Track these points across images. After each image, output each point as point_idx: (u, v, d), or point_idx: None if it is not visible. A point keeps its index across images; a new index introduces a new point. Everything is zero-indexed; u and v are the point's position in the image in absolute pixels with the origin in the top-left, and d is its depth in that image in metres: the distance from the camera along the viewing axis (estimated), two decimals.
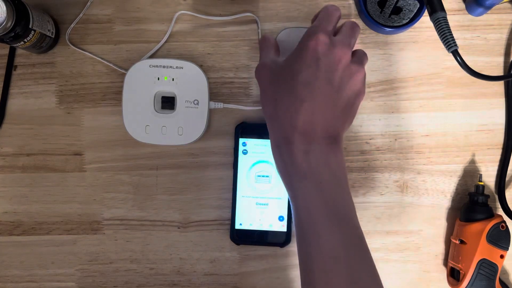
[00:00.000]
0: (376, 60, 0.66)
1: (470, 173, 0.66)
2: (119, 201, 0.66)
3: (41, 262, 0.67)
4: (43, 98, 0.67)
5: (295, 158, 0.51)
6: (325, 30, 0.53)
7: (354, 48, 0.55)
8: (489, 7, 0.63)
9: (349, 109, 0.54)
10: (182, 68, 0.63)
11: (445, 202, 0.66)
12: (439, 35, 0.56)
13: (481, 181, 0.64)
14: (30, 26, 0.59)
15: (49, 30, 0.63)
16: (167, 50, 0.67)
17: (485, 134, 0.66)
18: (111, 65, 0.66)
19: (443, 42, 0.56)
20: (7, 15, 0.56)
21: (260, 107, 0.66)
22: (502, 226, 0.61)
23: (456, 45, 0.56)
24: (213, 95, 0.66)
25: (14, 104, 0.67)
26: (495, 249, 0.61)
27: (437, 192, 0.66)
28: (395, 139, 0.66)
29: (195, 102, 0.63)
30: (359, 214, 0.66)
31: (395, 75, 0.66)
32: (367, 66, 0.66)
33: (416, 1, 0.63)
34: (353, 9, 0.66)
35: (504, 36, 0.66)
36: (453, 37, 0.56)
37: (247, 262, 0.66)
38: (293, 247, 0.66)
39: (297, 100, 0.51)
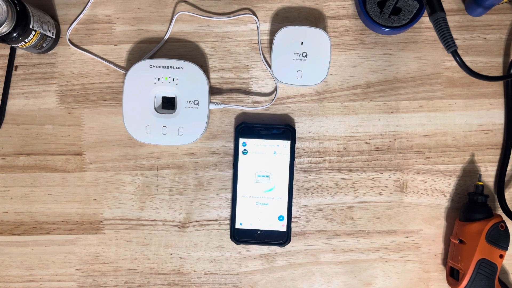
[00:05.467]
0: (376, 60, 0.66)
1: (470, 173, 0.66)
2: (120, 201, 0.67)
3: (42, 261, 0.67)
4: (43, 98, 0.67)
5: None
6: None
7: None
8: (488, 8, 0.63)
9: None
10: (183, 68, 0.63)
11: (445, 202, 0.66)
12: (438, 35, 0.57)
13: (480, 181, 0.64)
14: (30, 27, 0.59)
15: (49, 31, 0.63)
16: (167, 51, 0.67)
17: (485, 134, 0.66)
18: (111, 65, 0.66)
19: (442, 43, 0.56)
20: (8, 15, 0.56)
21: (260, 107, 0.66)
22: (502, 226, 0.61)
23: (455, 45, 0.56)
24: (213, 95, 0.67)
25: (14, 104, 0.67)
26: (494, 249, 0.61)
27: (437, 192, 0.66)
28: (395, 139, 0.66)
29: (195, 102, 0.63)
30: (359, 214, 0.66)
31: (395, 75, 0.66)
32: (367, 67, 0.66)
33: (416, 2, 0.63)
34: (353, 10, 0.66)
35: (504, 36, 0.66)
36: (452, 37, 0.56)
37: (247, 262, 0.66)
38: (293, 246, 0.66)
39: None
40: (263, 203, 0.65)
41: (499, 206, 0.65)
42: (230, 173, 0.66)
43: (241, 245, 0.66)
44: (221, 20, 0.66)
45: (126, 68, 0.67)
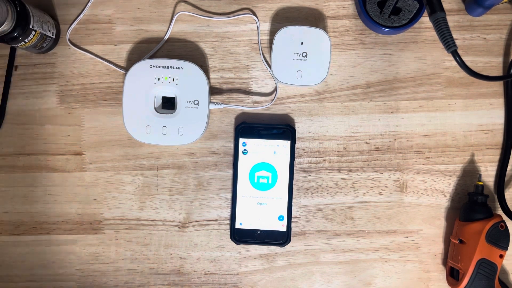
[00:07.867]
0: (376, 60, 0.66)
1: (470, 173, 0.66)
2: (120, 201, 0.67)
3: (42, 261, 0.67)
4: (43, 98, 0.67)
5: None
6: None
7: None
8: (488, 8, 0.63)
9: None
10: (183, 68, 0.63)
11: (445, 202, 0.66)
12: (438, 35, 0.57)
13: (480, 181, 0.64)
14: (30, 27, 0.59)
15: (49, 31, 0.63)
16: (167, 51, 0.67)
17: (485, 134, 0.66)
18: (111, 65, 0.66)
19: (442, 43, 0.56)
20: (8, 15, 0.56)
21: (260, 107, 0.66)
22: (501, 226, 0.61)
23: (455, 45, 0.56)
24: (213, 95, 0.67)
25: (14, 104, 0.67)
26: (494, 249, 0.61)
27: (437, 192, 0.66)
28: (395, 139, 0.66)
29: (195, 102, 0.63)
30: (359, 214, 0.66)
31: (395, 75, 0.66)
32: (367, 67, 0.66)
33: (416, 2, 0.63)
34: (353, 10, 0.66)
35: (504, 36, 0.66)
36: (452, 37, 0.56)
37: (247, 261, 0.66)
38: (293, 246, 0.66)
39: None
40: (263, 203, 0.65)
41: (499, 206, 0.65)
42: (230, 173, 0.66)
43: (241, 245, 0.66)
44: (221, 20, 0.67)
45: (126, 68, 0.67)
